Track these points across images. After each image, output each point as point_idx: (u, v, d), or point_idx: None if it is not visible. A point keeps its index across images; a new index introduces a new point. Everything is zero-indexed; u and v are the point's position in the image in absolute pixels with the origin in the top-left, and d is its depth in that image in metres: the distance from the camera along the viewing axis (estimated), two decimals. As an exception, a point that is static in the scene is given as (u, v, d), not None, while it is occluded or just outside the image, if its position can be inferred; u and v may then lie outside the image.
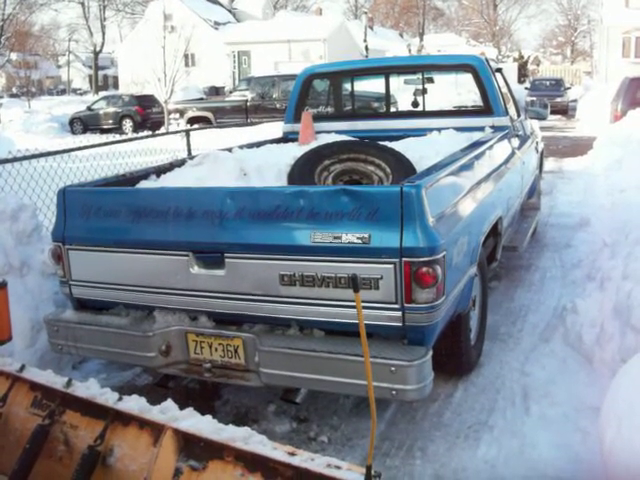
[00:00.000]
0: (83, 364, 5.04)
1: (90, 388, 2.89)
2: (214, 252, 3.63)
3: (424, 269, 3.24)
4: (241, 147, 5.82)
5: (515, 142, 6.17)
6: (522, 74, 45.27)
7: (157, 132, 16.71)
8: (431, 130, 6.01)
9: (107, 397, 2.80)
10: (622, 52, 37.86)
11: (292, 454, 2.31)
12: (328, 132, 6.35)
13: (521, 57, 52.17)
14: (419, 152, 5.12)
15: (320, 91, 7.98)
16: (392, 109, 7.58)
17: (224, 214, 3.60)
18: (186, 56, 32.99)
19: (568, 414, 3.93)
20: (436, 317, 3.37)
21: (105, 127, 28.59)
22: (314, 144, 5.70)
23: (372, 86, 8.41)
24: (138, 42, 40.73)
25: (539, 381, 4.36)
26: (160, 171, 4.96)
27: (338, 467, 2.23)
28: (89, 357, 4.79)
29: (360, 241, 3.29)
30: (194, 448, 2.49)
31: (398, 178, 4.50)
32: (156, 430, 2.59)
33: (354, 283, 2.07)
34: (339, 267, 3.34)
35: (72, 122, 29.42)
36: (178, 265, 3.73)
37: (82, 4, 59.92)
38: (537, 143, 7.90)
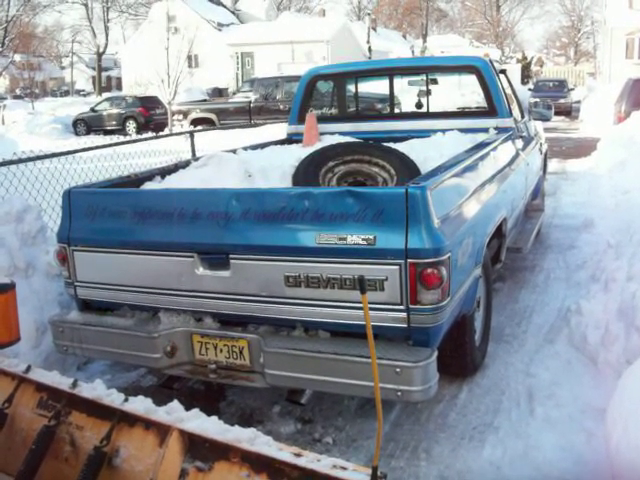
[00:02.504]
0: (88, 365, 5.05)
1: (96, 389, 2.89)
2: (219, 253, 3.63)
3: (429, 270, 3.24)
4: (245, 148, 5.83)
5: (519, 143, 6.17)
6: (525, 75, 45.23)
7: (161, 133, 16.73)
8: (435, 131, 6.01)
9: (113, 398, 2.81)
10: (625, 53, 37.83)
11: (298, 455, 2.31)
12: (332, 133, 6.35)
13: (524, 58, 52.13)
14: (423, 153, 5.12)
15: (324, 92, 7.99)
16: (396, 110, 7.59)
17: (229, 215, 3.61)
18: (189, 57, 33.07)
19: (573, 415, 3.93)
20: (441, 318, 3.37)
21: (109, 128, 28.62)
22: (318, 145, 5.71)
23: (376, 87, 8.41)
24: (141, 43, 40.84)
25: (544, 382, 4.36)
26: (165, 172, 4.97)
27: (344, 468, 2.23)
28: (94, 358, 4.80)
29: (365, 242, 3.29)
30: (200, 449, 2.49)
31: (403, 179, 4.50)
32: (162, 431, 2.59)
33: (361, 284, 2.07)
34: (344, 268, 3.34)
35: (76, 123, 29.46)
36: (183, 266, 3.74)
37: (85, 5, 60.00)
38: (541, 144, 7.90)
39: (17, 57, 54.63)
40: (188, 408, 2.69)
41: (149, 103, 28.82)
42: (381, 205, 3.30)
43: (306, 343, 3.52)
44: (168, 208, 3.78)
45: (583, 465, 3.45)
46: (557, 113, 22.03)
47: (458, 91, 9.31)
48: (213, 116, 23.54)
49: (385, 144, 5.31)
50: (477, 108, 6.95)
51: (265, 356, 3.53)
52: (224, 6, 53.78)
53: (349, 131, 6.42)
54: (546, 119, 7.63)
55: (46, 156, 6.55)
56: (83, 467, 2.65)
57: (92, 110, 29.98)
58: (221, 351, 3.70)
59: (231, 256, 3.60)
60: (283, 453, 2.32)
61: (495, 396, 4.29)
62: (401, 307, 3.30)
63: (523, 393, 4.28)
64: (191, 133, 9.67)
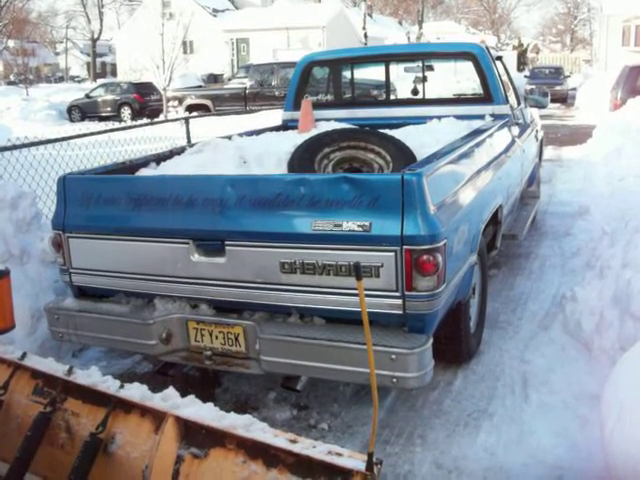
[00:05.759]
0: (83, 352, 5.05)
1: (92, 376, 2.90)
2: (214, 240, 3.62)
3: (425, 257, 3.24)
4: (241, 135, 5.81)
5: (515, 130, 6.16)
6: (521, 62, 45.15)
7: (156, 120, 16.67)
8: (431, 118, 5.99)
9: (109, 385, 2.81)
10: (622, 40, 37.76)
11: (293, 441, 2.32)
12: (328, 120, 6.33)
13: (520, 45, 52.00)
14: (419, 140, 5.11)
15: (320, 79, 7.96)
16: (392, 97, 7.56)
17: (224, 202, 3.59)
18: (184, 43, 32.94)
19: (567, 402, 3.95)
20: (436, 305, 3.37)
21: (103, 115, 28.52)
22: (314, 132, 5.69)
23: (372, 74, 8.39)
24: (136, 29, 40.58)
25: (538, 369, 4.37)
26: (160, 159, 4.95)
27: (339, 454, 2.24)
28: (89, 345, 4.79)
29: (361, 229, 3.29)
30: (196, 436, 2.50)
31: (398, 166, 4.49)
32: (158, 418, 2.60)
33: (357, 271, 2.06)
34: (340, 255, 3.34)
35: (70, 110, 29.34)
36: (178, 253, 3.73)
37: (80, -9, 59.64)
38: (537, 131, 7.89)
39: (11, 43, 54.32)
40: (183, 395, 2.70)
41: (144, 89, 28.70)
42: (377, 192, 3.29)
43: (301, 330, 3.52)
44: (163, 194, 3.76)
45: (577, 451, 3.47)
46: (553, 100, 21.98)
47: (454, 78, 9.29)
48: (208, 102, 23.46)
49: (381, 130, 5.29)
50: (473, 95, 6.94)
51: (260, 342, 3.53)
52: (219, -8, 53.43)
53: (345, 117, 6.40)
54: (542, 106, 7.62)
55: (40, 142, 6.52)
56: (79, 454, 2.66)
57: (87, 96, 29.85)
58: (216, 338, 3.70)
59: (226, 242, 3.59)
60: (279, 439, 2.34)
61: (490, 382, 4.30)
62: (397, 294, 3.30)
63: (518, 379, 4.30)
64: (186, 119, 9.63)
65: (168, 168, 4.73)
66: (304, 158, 4.75)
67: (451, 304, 3.84)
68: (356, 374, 3.31)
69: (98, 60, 61.90)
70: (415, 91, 6.85)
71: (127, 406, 2.72)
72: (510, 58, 34.17)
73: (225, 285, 3.66)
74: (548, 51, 68.87)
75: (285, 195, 3.45)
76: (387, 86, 7.15)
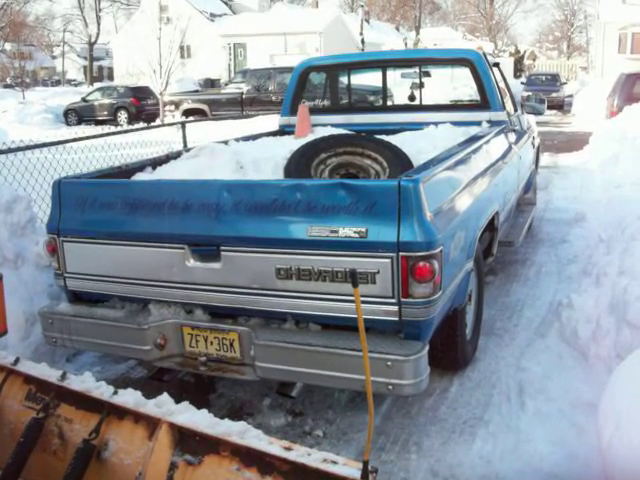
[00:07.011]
0: (77, 357, 5.02)
1: (85, 381, 2.87)
2: (210, 245, 3.61)
3: (421, 264, 3.23)
4: (237, 140, 5.80)
5: (512, 137, 6.16)
6: (518, 69, 45.23)
7: (152, 124, 16.65)
8: (428, 124, 5.99)
9: (102, 390, 2.79)
10: (618, 48, 37.83)
11: (288, 449, 2.30)
12: (324, 125, 6.32)
13: (517, 52, 52.03)
14: (416, 146, 5.10)
15: (317, 84, 7.95)
16: (389, 103, 7.56)
17: (220, 207, 3.58)
18: (181, 48, 32.94)
19: (563, 410, 3.93)
20: (433, 312, 3.36)
21: (100, 118, 28.49)
22: (310, 137, 5.68)
23: (369, 79, 8.38)
24: (133, 33, 40.45)
25: (535, 376, 4.36)
26: (156, 163, 4.93)
27: (334, 462, 2.22)
28: (83, 350, 4.77)
29: (357, 235, 3.28)
30: (190, 442, 2.48)
31: (395, 172, 4.48)
32: (151, 424, 2.58)
33: (353, 278, 2.05)
34: (336, 261, 3.33)
35: (67, 113, 29.31)
36: (174, 258, 3.71)
37: (77, -6, 59.65)
38: (533, 138, 7.89)
39: (8, 46, 54.32)
40: (178, 400, 2.68)
41: (141, 93, 28.68)
42: (373, 198, 3.28)
43: (297, 336, 3.51)
44: (159, 199, 3.75)
45: (574, 459, 3.45)
46: (549, 107, 21.97)
47: (451, 84, 9.29)
48: (205, 107, 23.45)
49: (378, 136, 5.29)
50: (470, 101, 6.94)
51: (256, 349, 3.51)
52: (217, -4, 53.45)
53: (342, 123, 6.39)
54: (539, 113, 7.64)
55: (36, 146, 6.50)
56: (72, 460, 2.64)
57: (83, 100, 29.82)
58: (211, 343, 3.68)
59: (222, 248, 3.58)
60: (273, 447, 2.32)
61: (486, 390, 4.29)
62: (393, 300, 3.29)
63: (514, 387, 4.28)
64: (183, 124, 9.62)
65: (164, 173, 4.72)
66: (300, 163, 4.74)
67: (447, 311, 3.83)
68: (351, 381, 3.30)
69: (95, 64, 61.87)
70: (412, 97, 6.85)
71: (121, 412, 2.70)
72: (507, 65, 34.26)
73: (220, 291, 3.64)
74: (545, 58, 68.85)
75: (281, 200, 3.44)
76: (384, 92, 7.15)
